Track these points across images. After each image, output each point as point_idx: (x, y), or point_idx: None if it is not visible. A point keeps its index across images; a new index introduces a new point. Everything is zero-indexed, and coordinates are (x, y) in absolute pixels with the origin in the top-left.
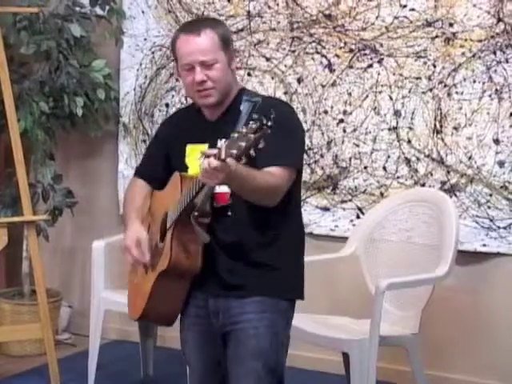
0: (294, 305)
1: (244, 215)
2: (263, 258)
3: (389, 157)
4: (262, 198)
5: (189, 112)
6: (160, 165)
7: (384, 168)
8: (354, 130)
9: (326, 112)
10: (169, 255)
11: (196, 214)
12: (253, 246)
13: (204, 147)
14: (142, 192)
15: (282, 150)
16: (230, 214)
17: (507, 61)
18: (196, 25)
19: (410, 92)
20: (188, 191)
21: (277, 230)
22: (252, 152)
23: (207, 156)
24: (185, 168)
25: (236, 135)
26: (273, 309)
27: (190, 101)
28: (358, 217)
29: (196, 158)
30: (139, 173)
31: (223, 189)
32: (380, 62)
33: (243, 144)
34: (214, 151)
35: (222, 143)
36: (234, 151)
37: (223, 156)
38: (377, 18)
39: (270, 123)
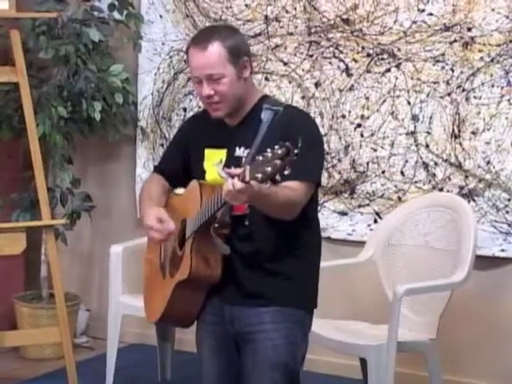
0: (312, 313)
1: (261, 225)
2: (280, 267)
3: (406, 161)
4: (281, 213)
5: (210, 115)
6: (179, 163)
7: (402, 172)
8: (372, 135)
9: (343, 116)
10: (189, 266)
11: (216, 225)
12: (269, 255)
13: (222, 153)
14: (159, 186)
15: (302, 165)
16: (247, 223)
17: None
18: (205, 37)
19: (427, 96)
20: (209, 205)
21: (294, 240)
22: (278, 177)
23: (231, 176)
24: (202, 171)
25: (261, 158)
26: (289, 319)
27: None
28: (375, 221)
29: (213, 163)
30: (158, 169)
31: None
32: (398, 66)
33: (269, 169)
34: (238, 171)
35: (245, 165)
36: (259, 175)
37: (247, 179)
38: (395, 22)
39: (296, 151)
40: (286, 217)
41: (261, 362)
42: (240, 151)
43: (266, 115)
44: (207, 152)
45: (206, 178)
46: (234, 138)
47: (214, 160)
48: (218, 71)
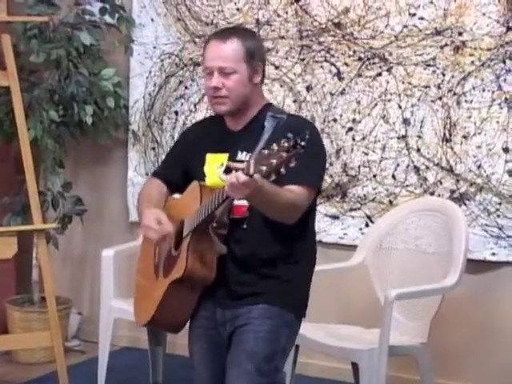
0: (301, 321)
1: (259, 229)
2: (274, 271)
3: (398, 165)
4: (281, 215)
5: (213, 120)
6: (178, 170)
7: (393, 176)
8: (363, 139)
9: (335, 120)
10: (184, 264)
11: (215, 225)
12: (264, 259)
13: (223, 157)
14: (157, 190)
15: (304, 170)
16: (245, 226)
17: None
18: (227, 32)
19: (419, 100)
20: (210, 202)
21: (290, 247)
22: (283, 170)
23: (235, 169)
24: (202, 176)
25: (266, 151)
26: (278, 317)
27: (198, 108)
28: (367, 225)
29: (214, 167)
30: (157, 174)
31: (241, 201)
32: (389, 70)
33: (274, 161)
34: (242, 165)
35: (249, 159)
36: (264, 168)
37: (252, 171)
38: (386, 26)
39: (303, 143)
40: (286, 220)
41: (240, 352)
42: (242, 156)
43: (269, 123)
44: (208, 156)
45: (206, 181)
46: (237, 142)
47: (214, 164)
48: (232, 65)
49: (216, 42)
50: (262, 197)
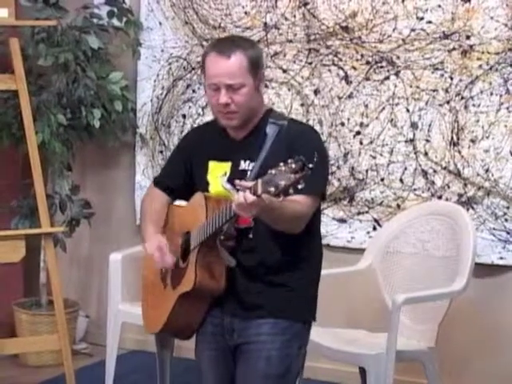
0: (310, 327)
1: (265, 238)
2: (282, 279)
3: (406, 169)
4: (288, 227)
5: (214, 127)
6: (181, 176)
7: (401, 180)
8: (371, 142)
9: (342, 124)
10: (193, 277)
11: (222, 237)
12: (272, 268)
13: (227, 166)
14: (159, 203)
15: (309, 179)
16: (251, 236)
17: None
18: (228, 45)
19: (426, 104)
20: (217, 217)
21: (297, 253)
22: (291, 191)
23: (243, 188)
24: (206, 184)
25: (273, 172)
26: (287, 331)
27: (206, 111)
28: (374, 229)
29: (218, 175)
30: (158, 183)
31: None
32: (397, 74)
33: (282, 183)
34: (250, 184)
35: (257, 179)
36: (272, 189)
37: (259, 192)
38: (394, 30)
39: (311, 165)
40: (292, 230)
41: (253, 371)
42: (245, 164)
43: (271, 129)
44: (211, 164)
45: (210, 190)
46: (239, 151)
47: (218, 172)
48: (240, 81)
49: (219, 58)
50: (270, 213)
